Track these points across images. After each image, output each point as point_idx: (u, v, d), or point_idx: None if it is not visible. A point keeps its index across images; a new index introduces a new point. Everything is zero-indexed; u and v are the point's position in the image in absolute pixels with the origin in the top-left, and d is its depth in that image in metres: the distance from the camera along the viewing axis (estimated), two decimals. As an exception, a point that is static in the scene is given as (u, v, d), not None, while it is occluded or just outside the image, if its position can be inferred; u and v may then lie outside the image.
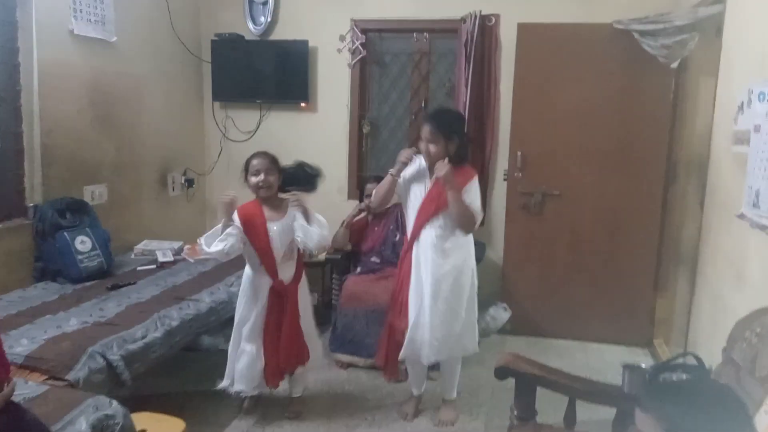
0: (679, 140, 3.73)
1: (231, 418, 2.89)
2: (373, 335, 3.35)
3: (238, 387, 2.77)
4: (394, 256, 3.54)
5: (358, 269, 3.71)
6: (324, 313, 3.95)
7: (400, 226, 3.61)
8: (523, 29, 3.81)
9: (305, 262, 3.86)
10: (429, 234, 2.71)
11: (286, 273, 2.75)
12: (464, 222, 2.67)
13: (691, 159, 3.66)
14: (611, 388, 2.11)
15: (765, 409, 1.40)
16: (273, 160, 2.73)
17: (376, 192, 2.87)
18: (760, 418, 1.41)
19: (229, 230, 2.59)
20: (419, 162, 2.77)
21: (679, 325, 3.72)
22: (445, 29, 4.15)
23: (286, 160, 2.86)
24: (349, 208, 4.30)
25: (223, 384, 2.80)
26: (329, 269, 4.03)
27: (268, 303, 2.72)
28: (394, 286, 2.91)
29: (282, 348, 2.72)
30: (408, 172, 2.78)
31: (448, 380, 2.95)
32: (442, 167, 2.57)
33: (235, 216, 2.65)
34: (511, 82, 3.92)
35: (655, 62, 3.49)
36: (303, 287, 2.86)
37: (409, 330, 2.74)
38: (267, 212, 2.72)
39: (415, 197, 2.76)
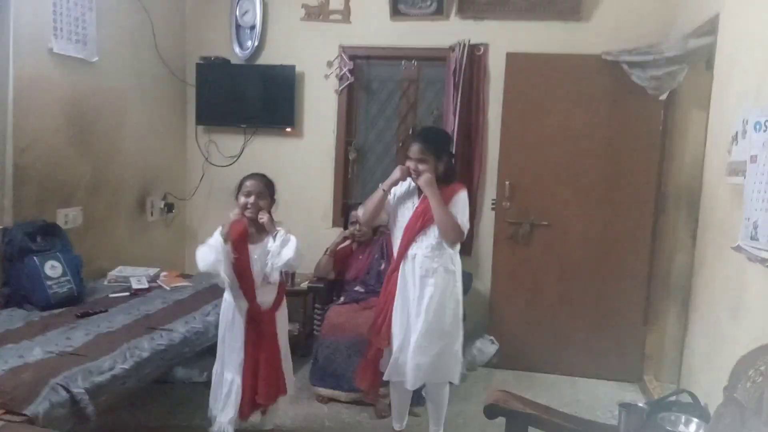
0: (668, 172, 3.70)
1: (202, 457, 2.72)
2: (355, 367, 3.22)
3: (218, 417, 2.61)
4: (379, 285, 3.42)
5: (341, 299, 3.60)
6: (305, 344, 3.82)
7: (386, 255, 3.52)
8: (512, 58, 3.80)
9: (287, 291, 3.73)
10: (416, 252, 2.65)
11: (265, 298, 2.63)
12: (448, 230, 2.60)
13: (681, 191, 3.63)
14: (608, 429, 2.00)
15: (776, 455, 1.31)
16: (267, 185, 2.66)
17: (365, 206, 2.79)
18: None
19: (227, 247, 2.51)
20: (409, 182, 2.73)
21: (670, 360, 3.64)
22: (434, 57, 4.12)
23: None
24: (333, 235, 4.21)
25: (209, 414, 2.66)
26: (311, 298, 3.89)
27: (246, 329, 2.60)
28: (377, 304, 2.82)
29: (260, 378, 2.58)
30: (398, 190, 2.74)
31: (435, 411, 2.84)
32: (424, 175, 2.57)
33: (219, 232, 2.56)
34: (499, 111, 3.89)
35: (643, 94, 3.49)
36: (282, 314, 2.73)
37: (394, 351, 2.67)
38: (252, 234, 2.64)
39: (403, 216, 2.71)
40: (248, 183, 2.61)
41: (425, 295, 2.63)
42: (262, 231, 2.62)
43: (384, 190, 2.69)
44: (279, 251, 2.53)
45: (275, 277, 2.60)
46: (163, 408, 3.14)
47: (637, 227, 3.76)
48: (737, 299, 2.35)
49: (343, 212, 4.35)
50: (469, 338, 3.95)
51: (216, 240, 2.50)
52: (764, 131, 2.02)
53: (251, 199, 2.58)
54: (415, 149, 2.65)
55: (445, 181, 2.67)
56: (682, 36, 3.30)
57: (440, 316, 2.65)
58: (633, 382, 3.81)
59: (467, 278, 3.86)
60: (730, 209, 2.47)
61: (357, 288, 3.60)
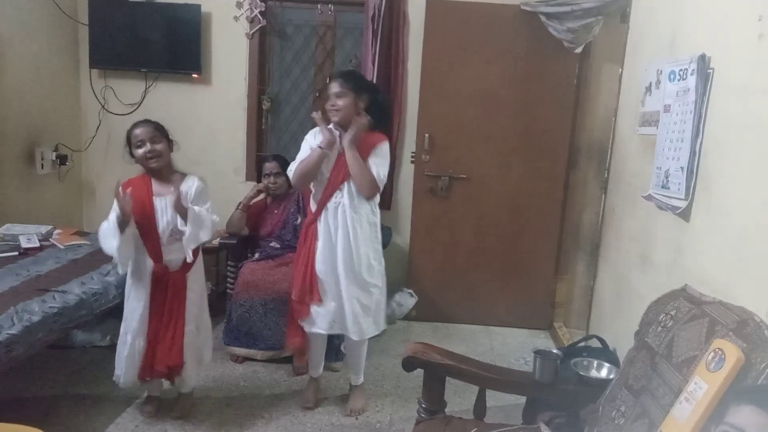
0: (581, 125, 3.77)
1: (106, 424, 2.54)
2: (271, 326, 3.13)
3: (118, 379, 2.47)
4: (295, 240, 3.30)
5: (256, 255, 3.44)
6: (218, 304, 3.64)
7: (302, 208, 3.38)
8: (432, 6, 3.69)
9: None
10: (339, 202, 2.55)
11: (174, 256, 2.44)
12: (363, 185, 2.52)
13: (592, 144, 3.72)
14: (523, 376, 2.03)
15: (685, 397, 1.33)
16: (157, 127, 2.43)
17: (300, 169, 2.57)
18: (679, 406, 1.34)
19: (128, 230, 2.31)
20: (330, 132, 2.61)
21: (578, 308, 3.80)
22: (352, 2, 3.93)
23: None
24: (247, 190, 4.01)
25: (114, 376, 2.50)
26: (224, 256, 3.71)
27: (151, 290, 2.42)
28: (297, 260, 2.69)
29: (159, 344, 2.42)
30: (317, 141, 2.58)
31: (355, 363, 2.81)
32: (358, 122, 2.47)
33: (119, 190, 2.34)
34: (419, 62, 3.79)
35: (560, 47, 3.50)
36: (196, 275, 2.55)
37: (327, 305, 2.59)
38: (156, 186, 2.42)
39: (326, 167, 2.57)
40: (137, 131, 2.38)
41: (350, 245, 2.55)
42: (167, 180, 2.43)
43: (322, 148, 2.52)
44: (195, 234, 2.36)
45: (189, 255, 2.43)
46: (61, 375, 2.91)
47: (550, 181, 3.83)
48: (646, 249, 2.43)
49: (257, 165, 4.14)
50: (389, 292, 3.92)
51: (112, 222, 2.29)
52: (678, 81, 2.04)
53: (147, 147, 2.36)
54: (334, 85, 2.54)
55: (376, 121, 2.60)
56: (599, -12, 3.31)
57: (366, 267, 2.60)
58: (544, 330, 3.95)
59: (387, 232, 3.80)
60: (641, 160, 2.53)
61: (272, 244, 3.45)
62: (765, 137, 1.63)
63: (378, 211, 2.68)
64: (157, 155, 2.38)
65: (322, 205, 2.58)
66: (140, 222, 2.38)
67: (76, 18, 4.00)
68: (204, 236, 2.41)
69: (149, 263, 2.42)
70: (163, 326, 2.42)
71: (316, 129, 2.62)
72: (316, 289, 2.59)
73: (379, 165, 2.55)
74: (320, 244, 2.58)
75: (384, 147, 2.60)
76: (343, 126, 2.57)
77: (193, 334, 2.52)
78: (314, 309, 2.61)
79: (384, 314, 2.77)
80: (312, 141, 2.60)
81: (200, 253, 2.58)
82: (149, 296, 2.43)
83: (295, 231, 3.38)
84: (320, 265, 2.59)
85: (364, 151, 2.54)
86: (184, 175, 2.49)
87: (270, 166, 3.48)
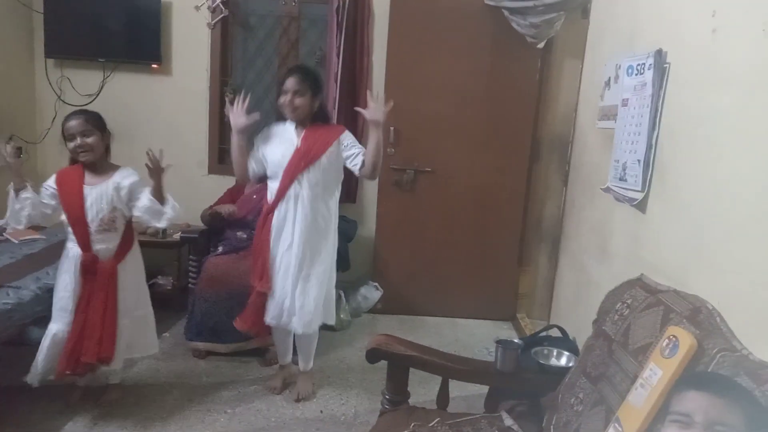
0: (543, 119, 3.83)
1: (63, 424, 2.47)
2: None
3: (33, 379, 2.43)
4: (264, 232, 3.28)
5: (219, 249, 3.38)
6: (179, 299, 3.59)
7: None
8: (397, -1, 3.68)
9: (154, 241, 3.46)
10: (299, 192, 2.55)
11: (103, 245, 2.41)
12: (378, 168, 2.57)
13: (554, 138, 3.77)
14: (485, 365, 2.05)
15: (640, 383, 1.37)
16: (90, 119, 2.39)
17: (234, 165, 2.64)
18: (635, 392, 1.37)
19: (24, 195, 2.30)
20: (283, 124, 2.64)
21: (541, 298, 3.86)
22: (316, -7, 3.90)
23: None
24: (210, 183, 3.96)
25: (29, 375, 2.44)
26: (185, 250, 3.64)
27: (80, 280, 2.38)
28: (254, 247, 2.69)
29: (85, 336, 2.37)
30: (266, 134, 2.65)
31: (304, 352, 2.83)
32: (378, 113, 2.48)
33: (52, 178, 2.40)
34: (384, 55, 3.78)
35: (523, 41, 3.53)
36: (130, 266, 2.51)
37: (277, 296, 2.60)
38: (88, 177, 2.40)
39: (283, 157, 2.56)
40: (69, 125, 2.36)
41: (301, 238, 2.56)
42: (101, 172, 2.42)
43: (240, 138, 2.55)
44: (157, 221, 2.41)
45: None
46: (16, 372, 2.81)
47: (514, 174, 3.88)
48: (604, 240, 2.49)
49: (220, 158, 4.08)
50: (354, 286, 3.93)
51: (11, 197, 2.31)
52: (636, 75, 2.08)
53: (78, 141, 2.34)
54: (292, 80, 2.53)
55: (323, 120, 2.66)
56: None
57: (320, 258, 2.62)
58: (507, 320, 4.01)
59: (353, 226, 3.80)
60: (600, 153, 2.58)
61: (239, 233, 3.38)
62: (717, 129, 1.67)
63: (336, 204, 2.70)
64: (87, 149, 2.36)
65: (279, 195, 2.57)
66: (69, 210, 2.38)
67: (31, 6, 3.86)
68: (161, 225, 2.46)
69: (78, 252, 2.39)
70: (90, 317, 2.37)
71: (274, 127, 2.66)
72: (266, 277, 2.59)
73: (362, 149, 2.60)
74: (273, 234, 2.59)
75: (350, 134, 2.65)
76: (298, 122, 2.59)
77: (126, 327, 2.48)
78: (273, 300, 2.61)
79: (333, 307, 2.79)
80: (262, 136, 2.66)
81: (136, 244, 2.56)
82: (78, 285, 2.40)
83: None
84: (272, 254, 2.60)
85: (328, 142, 2.56)
86: (117, 167, 2.47)
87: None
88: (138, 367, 2.92)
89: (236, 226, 3.41)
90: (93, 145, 2.36)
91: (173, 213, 2.42)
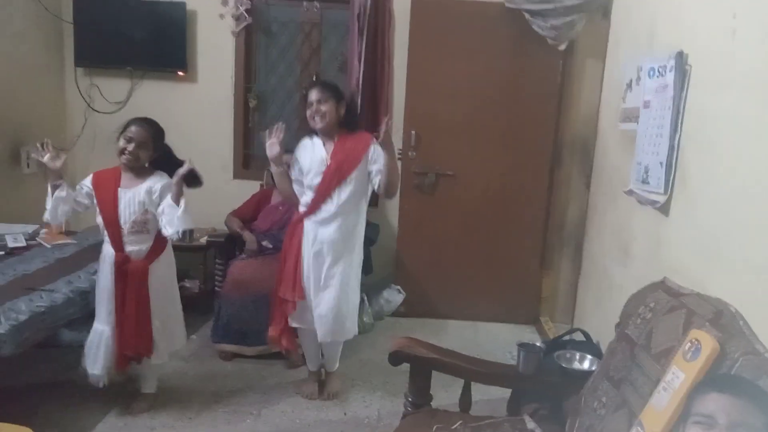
0: (565, 122, 3.81)
1: (94, 424, 2.54)
2: (262, 322, 3.06)
3: (88, 368, 2.53)
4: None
5: (243, 255, 3.43)
6: (206, 302, 3.65)
7: None
8: (417, 4, 3.71)
9: (181, 245, 3.53)
10: (329, 204, 2.60)
11: (136, 247, 2.49)
12: (395, 187, 2.62)
13: (576, 140, 3.75)
14: (507, 368, 2.06)
15: (663, 386, 1.37)
16: (154, 134, 2.48)
17: (279, 191, 2.78)
18: (658, 395, 1.37)
19: (60, 193, 2.41)
20: (312, 143, 2.67)
21: (564, 302, 3.84)
22: (337, -1, 3.94)
23: (165, 134, 2.56)
24: (234, 188, 4.01)
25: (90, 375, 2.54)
26: (212, 254, 3.71)
27: (114, 278, 2.46)
28: (284, 257, 2.73)
29: (124, 331, 2.46)
30: (300, 156, 2.67)
31: (330, 355, 2.90)
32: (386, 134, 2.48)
33: (89, 178, 2.49)
34: (404, 59, 3.81)
35: (544, 44, 3.52)
36: (160, 268, 2.57)
37: (304, 304, 2.67)
38: (124, 179, 2.48)
39: (316, 175, 2.62)
40: (133, 129, 2.43)
41: (334, 247, 2.61)
42: (137, 176, 2.49)
43: (278, 167, 2.63)
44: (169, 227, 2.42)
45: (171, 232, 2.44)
46: (49, 374, 2.91)
47: (535, 176, 3.86)
48: (626, 243, 2.48)
49: (244, 163, 4.15)
50: (376, 289, 3.96)
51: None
52: (657, 77, 2.07)
53: (131, 147, 2.41)
54: (314, 92, 2.60)
55: (351, 128, 2.67)
56: (581, -15, 3.34)
57: (347, 269, 2.66)
58: (530, 324, 3.99)
59: (374, 229, 3.82)
60: (622, 155, 2.57)
61: (264, 242, 3.40)
62: (738, 131, 1.67)
63: (364, 215, 2.74)
64: (133, 156, 2.43)
65: (311, 210, 2.62)
66: (103, 211, 2.46)
67: (61, 16, 3.97)
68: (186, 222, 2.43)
69: (111, 252, 2.47)
70: (126, 314, 2.45)
71: (303, 142, 2.71)
72: (299, 286, 2.65)
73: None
74: (306, 245, 2.64)
75: (378, 147, 2.62)
76: (326, 133, 2.62)
77: (158, 330, 2.55)
78: (300, 304, 2.66)
79: (356, 320, 2.82)
80: (296, 155, 2.70)
81: (169, 247, 2.62)
82: (112, 285, 2.47)
83: None
84: (306, 266, 2.65)
85: (357, 158, 2.59)
86: (153, 171, 2.53)
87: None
88: (165, 369, 2.98)
89: (261, 235, 3.44)
90: (140, 156, 2.44)
91: (181, 224, 2.40)
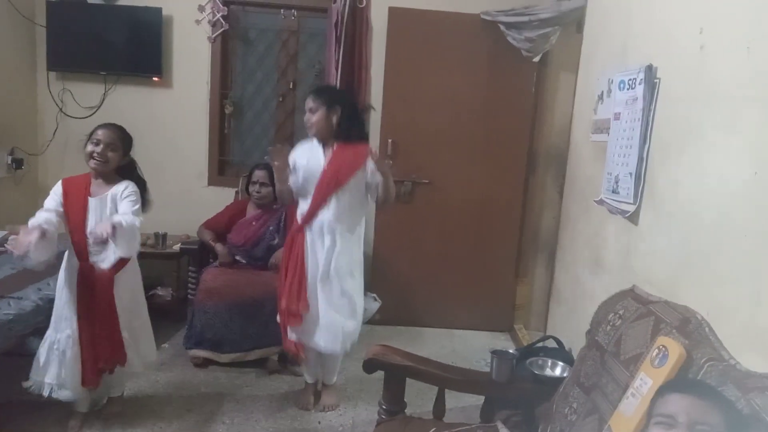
0: (539, 132, 3.87)
1: (62, 433, 2.49)
2: (236, 330, 3.09)
3: (33, 376, 2.42)
4: (265, 261, 3.29)
5: (217, 262, 3.39)
6: (179, 310, 3.61)
7: (281, 230, 3.30)
8: (394, 13, 3.75)
9: (154, 252, 3.49)
10: (327, 213, 2.58)
11: (100, 258, 2.40)
12: (390, 201, 2.62)
13: (550, 150, 3.82)
14: (480, 375, 2.08)
15: (631, 392, 1.40)
16: (122, 137, 2.43)
17: (277, 192, 2.72)
18: (626, 401, 1.40)
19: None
20: (310, 147, 2.65)
21: (538, 309, 3.89)
22: (315, 7, 3.95)
23: (139, 140, 2.54)
24: (210, 194, 3.99)
25: (28, 383, 2.44)
26: (185, 261, 3.66)
27: (78, 289, 2.37)
28: (286, 267, 2.67)
29: (97, 342, 2.38)
30: (299, 162, 2.62)
31: (329, 368, 2.88)
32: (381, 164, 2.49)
33: (58, 186, 2.39)
34: (382, 68, 3.83)
35: (518, 55, 3.59)
36: (127, 277, 2.49)
37: (315, 317, 2.63)
38: (94, 187, 2.41)
39: (312, 177, 2.59)
40: (100, 132, 2.38)
41: (331, 258, 2.59)
42: (106, 183, 2.42)
43: (285, 183, 2.59)
44: (123, 248, 2.32)
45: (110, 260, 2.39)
46: (17, 383, 2.83)
47: (510, 186, 3.91)
48: (598, 251, 2.52)
49: (220, 170, 4.12)
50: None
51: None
52: (627, 90, 2.12)
53: (99, 149, 2.35)
54: (308, 100, 2.61)
55: (345, 138, 2.60)
56: (555, -1, 3.42)
57: (348, 278, 2.65)
58: (505, 331, 4.03)
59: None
60: (594, 165, 2.62)
61: (237, 257, 3.37)
62: (704, 143, 1.71)
63: (363, 225, 2.74)
64: (103, 160, 2.37)
65: (308, 217, 2.60)
66: (71, 219, 2.37)
67: (33, 20, 3.91)
68: (130, 249, 2.35)
69: (75, 262, 2.39)
70: (96, 326, 2.37)
71: (304, 145, 2.68)
72: (304, 296, 2.59)
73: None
74: (307, 255, 2.60)
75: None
76: (320, 138, 2.61)
77: (126, 342, 2.47)
78: (305, 317, 2.61)
79: (358, 330, 2.80)
80: (294, 155, 2.65)
81: (134, 259, 2.52)
82: (74, 295, 2.38)
83: (268, 251, 3.30)
84: (308, 277, 2.61)
85: (354, 167, 2.56)
86: (120, 180, 2.46)
87: (259, 175, 3.35)
88: (137, 378, 2.93)
89: (235, 248, 3.38)
90: (110, 159, 2.38)
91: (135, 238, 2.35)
